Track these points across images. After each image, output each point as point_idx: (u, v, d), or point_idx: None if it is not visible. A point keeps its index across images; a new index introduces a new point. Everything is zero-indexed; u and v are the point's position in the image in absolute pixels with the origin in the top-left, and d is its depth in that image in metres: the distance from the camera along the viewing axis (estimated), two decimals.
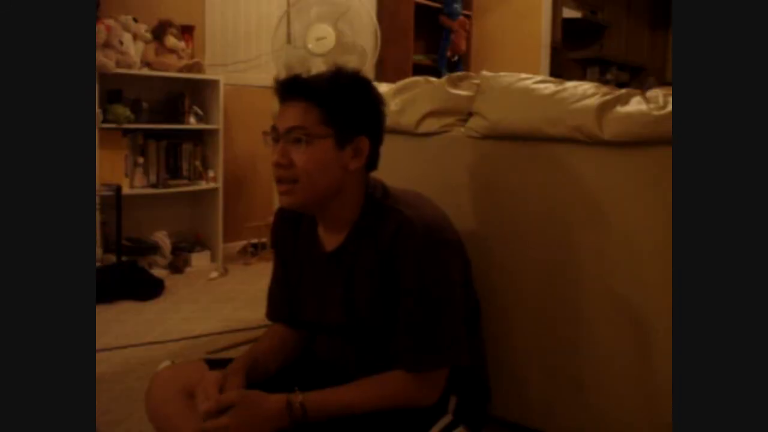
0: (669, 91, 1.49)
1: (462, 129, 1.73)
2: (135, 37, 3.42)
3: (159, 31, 3.49)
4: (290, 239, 1.38)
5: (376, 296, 1.23)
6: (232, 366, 1.25)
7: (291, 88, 1.23)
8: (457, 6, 5.01)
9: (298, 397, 1.16)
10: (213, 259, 3.77)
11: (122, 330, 2.62)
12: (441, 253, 1.21)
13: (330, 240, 1.30)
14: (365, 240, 1.24)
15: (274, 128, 1.23)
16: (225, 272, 3.61)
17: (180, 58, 3.55)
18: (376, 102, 1.27)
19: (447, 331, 1.21)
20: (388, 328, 1.22)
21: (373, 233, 1.23)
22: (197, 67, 3.60)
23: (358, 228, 1.26)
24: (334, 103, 1.20)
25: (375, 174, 1.33)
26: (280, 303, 1.42)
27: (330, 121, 1.20)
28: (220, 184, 3.72)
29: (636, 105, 1.47)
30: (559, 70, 5.43)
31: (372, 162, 1.28)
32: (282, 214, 1.40)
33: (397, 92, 1.85)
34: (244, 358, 1.30)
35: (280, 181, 1.22)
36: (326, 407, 1.17)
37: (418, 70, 4.64)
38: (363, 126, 1.24)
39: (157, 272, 3.38)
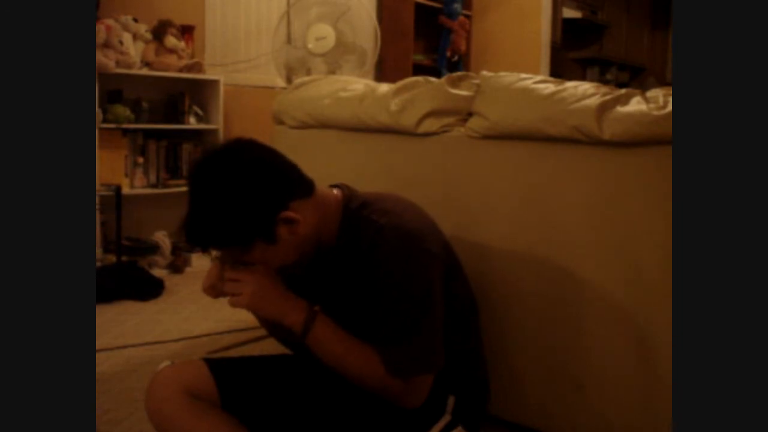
0: (669, 91, 1.49)
1: (462, 129, 1.73)
2: (135, 37, 3.42)
3: (159, 31, 3.49)
4: None
5: (358, 306, 1.25)
6: None
7: (197, 246, 1.25)
8: (457, 6, 5.01)
9: (317, 307, 1.23)
10: (212, 259, 3.77)
11: (122, 330, 2.61)
12: (416, 261, 1.21)
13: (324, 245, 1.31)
14: (345, 253, 1.27)
15: None
16: None
17: (180, 58, 3.55)
18: (264, 185, 1.19)
19: (423, 339, 1.20)
20: (372, 336, 1.23)
21: (351, 246, 1.25)
22: (197, 67, 3.60)
23: (338, 244, 1.28)
24: (234, 239, 1.19)
25: (373, 173, 1.34)
26: None
27: (245, 245, 1.19)
28: None
29: (636, 105, 1.47)
30: (559, 70, 5.44)
31: (304, 189, 1.25)
32: None
33: (397, 92, 1.85)
34: None
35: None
36: (330, 340, 1.22)
37: (418, 70, 4.64)
38: (271, 214, 1.18)
39: (157, 272, 3.38)
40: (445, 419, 1.26)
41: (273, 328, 1.39)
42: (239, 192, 1.17)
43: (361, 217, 1.25)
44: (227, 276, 1.22)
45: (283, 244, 1.20)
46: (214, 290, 1.25)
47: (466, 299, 1.39)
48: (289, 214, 1.19)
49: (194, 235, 1.21)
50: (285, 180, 1.23)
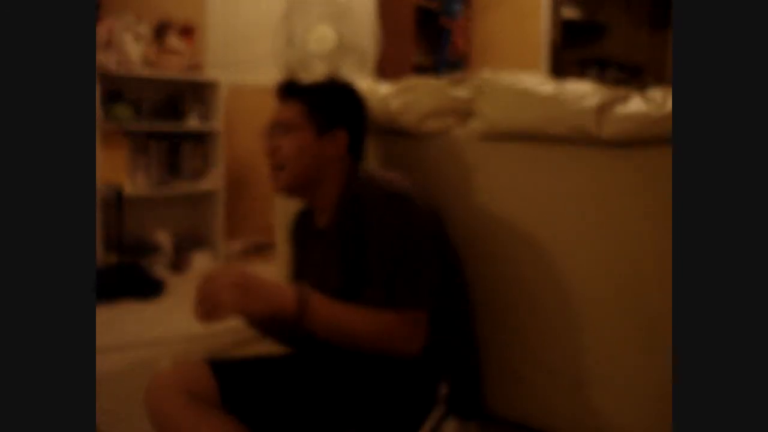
0: (669, 91, 1.49)
1: (462, 129, 1.73)
2: (136, 37, 3.42)
3: (160, 32, 3.50)
4: (302, 232, 1.59)
5: (363, 261, 1.31)
6: None
7: (283, 88, 1.48)
8: (457, 6, 5.01)
9: (307, 287, 1.27)
10: (214, 259, 3.78)
11: (122, 330, 2.62)
12: (402, 206, 1.31)
13: (323, 219, 1.47)
14: (348, 213, 1.37)
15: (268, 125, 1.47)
16: None
17: (181, 58, 3.55)
18: (357, 102, 1.51)
19: (417, 272, 1.28)
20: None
21: (353, 206, 1.36)
22: (198, 68, 3.60)
23: (342, 205, 1.41)
24: (315, 99, 1.44)
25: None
26: None
27: (311, 114, 1.42)
28: (221, 185, 3.72)
29: (636, 105, 1.48)
30: (559, 70, 5.43)
31: (356, 153, 1.48)
32: (298, 215, 1.63)
33: (398, 92, 1.85)
34: None
35: (271, 167, 1.44)
36: (327, 307, 1.26)
37: (418, 70, 4.64)
38: (341, 120, 1.45)
39: (158, 272, 3.38)
40: (438, 409, 1.28)
41: (266, 327, 1.41)
42: (351, 92, 1.52)
43: (360, 180, 1.40)
44: (200, 292, 1.20)
45: (314, 149, 1.41)
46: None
47: (457, 287, 1.43)
48: (345, 135, 1.44)
49: (299, 83, 1.47)
50: (363, 127, 1.52)
